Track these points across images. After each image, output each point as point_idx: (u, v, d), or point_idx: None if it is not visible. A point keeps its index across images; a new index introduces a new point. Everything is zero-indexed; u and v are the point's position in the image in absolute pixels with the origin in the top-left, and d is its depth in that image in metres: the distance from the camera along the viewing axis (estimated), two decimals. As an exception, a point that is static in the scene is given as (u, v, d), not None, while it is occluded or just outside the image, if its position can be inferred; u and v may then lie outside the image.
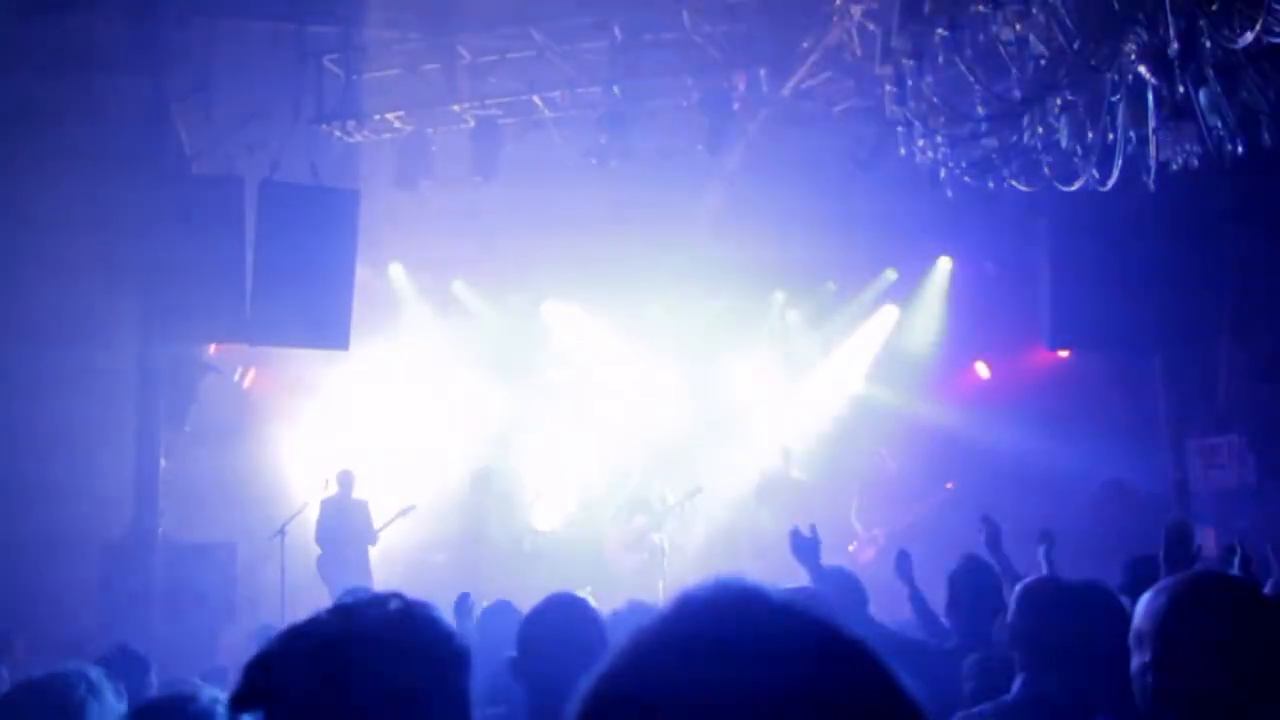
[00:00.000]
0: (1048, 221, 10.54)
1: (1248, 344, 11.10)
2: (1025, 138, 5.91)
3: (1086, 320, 10.45)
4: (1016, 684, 3.18)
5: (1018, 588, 3.38)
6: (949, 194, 6.34)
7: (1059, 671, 3.08)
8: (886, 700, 0.87)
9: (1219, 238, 10.37)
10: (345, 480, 10.82)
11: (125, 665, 4.22)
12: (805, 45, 8.98)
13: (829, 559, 7.17)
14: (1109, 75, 5.35)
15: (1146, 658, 2.22)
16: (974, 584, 4.36)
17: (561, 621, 3.06)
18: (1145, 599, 2.30)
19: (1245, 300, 10.87)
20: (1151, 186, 6.10)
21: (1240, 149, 5.81)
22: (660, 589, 11.56)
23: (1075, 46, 4.97)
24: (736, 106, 9.54)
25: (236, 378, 11.71)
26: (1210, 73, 5.48)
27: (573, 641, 2.95)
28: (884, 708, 0.86)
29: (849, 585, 5.04)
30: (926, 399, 12.86)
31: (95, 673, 2.95)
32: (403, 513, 10.65)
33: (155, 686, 4.11)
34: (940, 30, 5.07)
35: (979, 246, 12.53)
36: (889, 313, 13.54)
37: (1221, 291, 10.83)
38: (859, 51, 8.55)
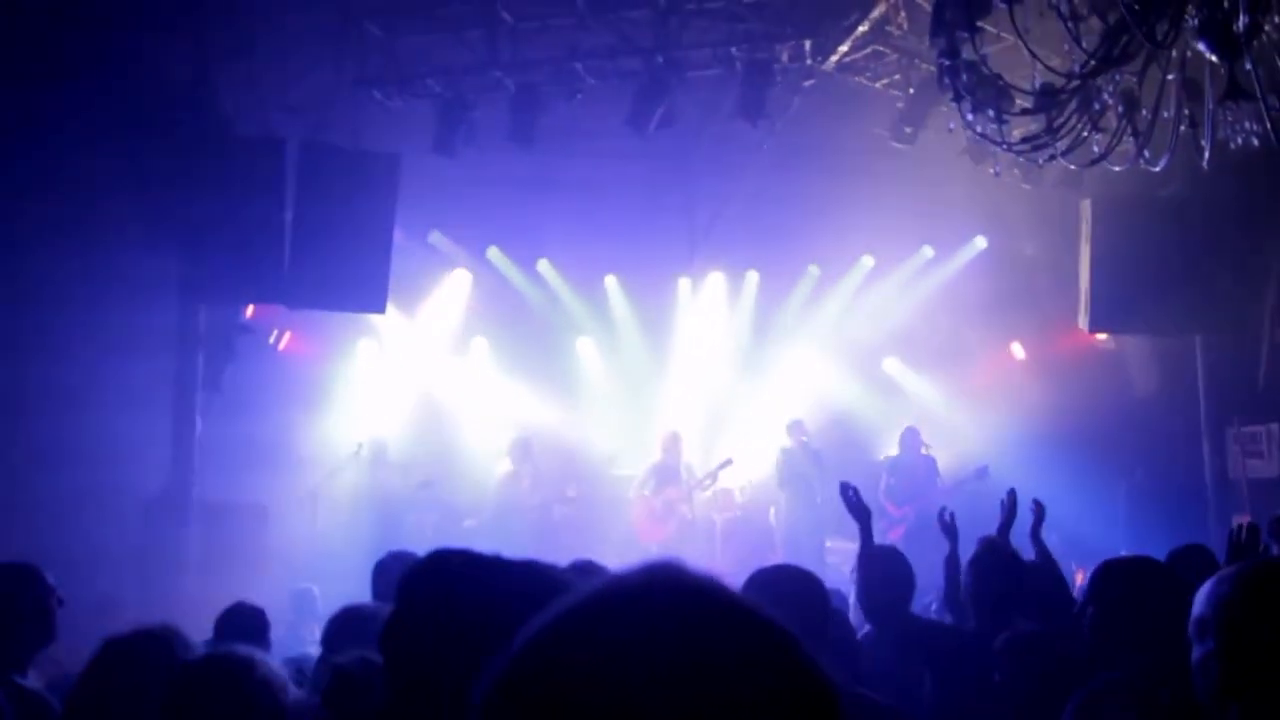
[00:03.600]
0: (1091, 201, 10.40)
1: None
2: (1077, 116, 5.81)
3: (1127, 303, 10.31)
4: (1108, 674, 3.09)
5: (1095, 568, 3.27)
6: (994, 171, 6.27)
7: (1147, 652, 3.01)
8: (803, 697, 0.85)
9: (1263, 221, 10.20)
10: (379, 446, 10.88)
11: (242, 624, 4.25)
12: (851, 19, 8.86)
13: (854, 539, 7.11)
14: (1170, 51, 5.25)
15: (1210, 646, 2.18)
16: (995, 570, 4.27)
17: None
18: (1207, 587, 2.26)
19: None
20: (1205, 167, 6.00)
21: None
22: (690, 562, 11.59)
23: (1139, 21, 4.86)
24: (779, 79, 9.43)
25: (272, 340, 11.76)
26: (1271, 51, 5.37)
27: None
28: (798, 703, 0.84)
29: (896, 573, 4.83)
30: (960, 379, 12.77)
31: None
32: (423, 486, 10.70)
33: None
34: (998, 2, 4.98)
35: (1017, 226, 12.40)
36: (925, 291, 13.42)
37: (1265, 276, 10.66)
38: (905, 26, 8.43)
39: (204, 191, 9.02)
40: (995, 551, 4.33)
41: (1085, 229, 10.59)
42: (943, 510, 5.72)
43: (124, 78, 9.05)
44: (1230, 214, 10.13)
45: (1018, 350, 13.12)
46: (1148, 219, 10.11)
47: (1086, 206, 10.52)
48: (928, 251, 13.34)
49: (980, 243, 13.10)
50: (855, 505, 4.91)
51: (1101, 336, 11.67)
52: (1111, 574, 3.25)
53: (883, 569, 4.87)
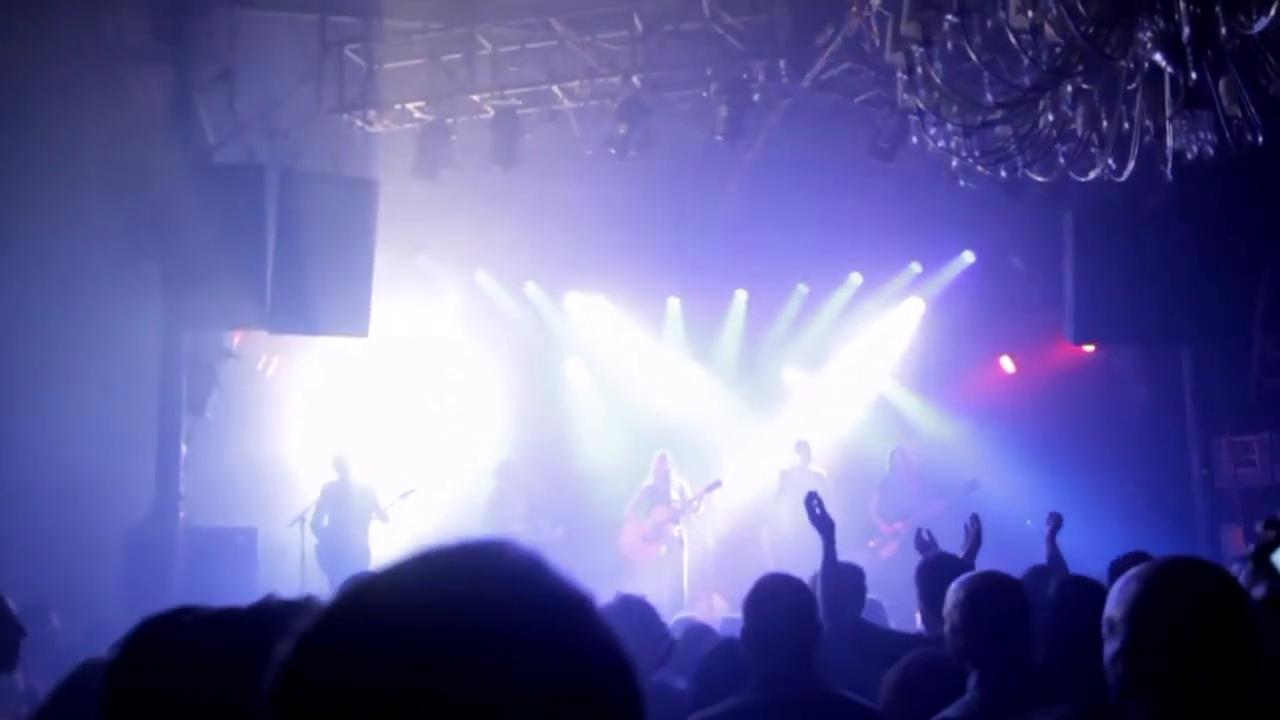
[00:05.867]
0: (1072, 213, 10.40)
1: (1282, 337, 10.90)
2: (1039, 125, 5.83)
3: (1112, 314, 10.30)
4: (972, 680, 3.13)
5: (955, 584, 3.33)
6: (962, 183, 6.30)
7: (1014, 660, 3.05)
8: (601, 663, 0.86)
9: (1252, 227, 10.19)
10: (342, 464, 10.83)
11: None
12: (825, 36, 8.91)
13: (850, 555, 7.13)
14: (1123, 63, 5.27)
15: (1119, 644, 2.19)
16: (944, 578, 4.32)
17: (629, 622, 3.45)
18: (1117, 586, 2.28)
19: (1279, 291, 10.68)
20: (1169, 176, 6.01)
21: (1260, 139, 5.72)
22: (683, 582, 11.59)
23: (1087, 33, 4.89)
24: (756, 97, 9.49)
25: (260, 366, 11.82)
26: (1229, 61, 5.39)
27: (638, 641, 3.21)
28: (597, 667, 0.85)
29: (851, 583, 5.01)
30: (951, 394, 12.77)
31: None
32: (404, 495, 10.69)
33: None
34: (949, 16, 5.01)
35: (1005, 240, 12.42)
36: (914, 306, 13.44)
37: (1254, 283, 10.64)
38: (878, 41, 8.46)
39: (185, 218, 9.08)
40: (944, 564, 4.37)
41: (1068, 241, 10.60)
42: (919, 530, 5.85)
43: (107, 106, 9.14)
44: (1216, 223, 10.12)
45: (1007, 364, 13.12)
46: (1132, 230, 10.11)
47: (1069, 219, 10.53)
48: (916, 267, 13.37)
49: (968, 257, 13.13)
50: (819, 519, 4.95)
51: (1088, 348, 11.67)
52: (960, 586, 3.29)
53: (848, 581, 5.01)
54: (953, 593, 3.31)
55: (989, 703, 3.03)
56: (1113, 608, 2.23)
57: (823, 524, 4.86)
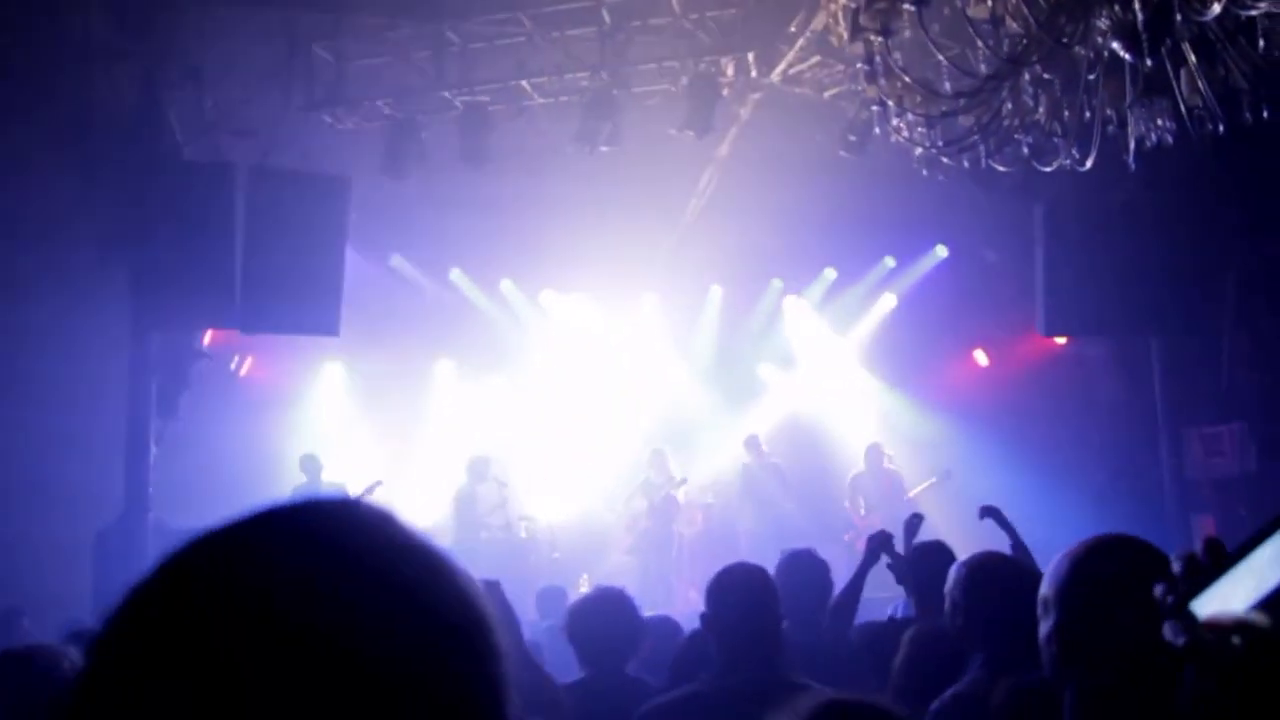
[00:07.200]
0: (1043, 207, 10.46)
1: (1251, 329, 10.97)
2: (1001, 115, 5.85)
3: (1082, 306, 10.37)
4: (978, 660, 3.13)
5: (958, 564, 3.34)
6: (925, 173, 6.33)
7: (1017, 638, 3.05)
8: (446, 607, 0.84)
9: (1220, 219, 10.26)
10: (310, 466, 10.79)
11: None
12: (793, 29, 8.93)
13: (824, 548, 7.19)
14: (1082, 51, 5.30)
15: (1051, 622, 2.20)
16: (932, 561, 4.34)
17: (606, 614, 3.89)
18: (1050, 566, 2.29)
19: (1249, 284, 10.75)
20: (1132, 166, 6.05)
21: (1221, 128, 5.75)
22: (671, 575, 11.63)
23: (1044, 21, 4.92)
24: (725, 92, 9.50)
25: (233, 366, 11.76)
26: (1188, 49, 5.42)
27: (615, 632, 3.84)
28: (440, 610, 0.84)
29: (813, 578, 5.03)
30: (924, 387, 12.82)
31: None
32: (367, 490, 10.66)
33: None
34: (907, 5, 5.03)
35: (978, 234, 12.47)
36: (887, 301, 13.49)
37: (1224, 275, 10.72)
38: (845, 35, 8.48)
39: (155, 217, 9.03)
40: (938, 551, 4.44)
41: (1039, 234, 10.65)
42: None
43: (76, 104, 9.08)
44: (1185, 215, 10.19)
45: (981, 357, 13.18)
46: (1102, 222, 10.18)
47: (1039, 212, 10.59)
48: (889, 262, 13.42)
49: (941, 251, 13.19)
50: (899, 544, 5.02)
51: (1060, 340, 11.73)
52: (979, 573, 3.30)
53: (813, 574, 5.01)
54: (955, 571, 3.32)
55: (994, 679, 3.03)
56: (1045, 587, 2.25)
57: (888, 547, 5.04)
